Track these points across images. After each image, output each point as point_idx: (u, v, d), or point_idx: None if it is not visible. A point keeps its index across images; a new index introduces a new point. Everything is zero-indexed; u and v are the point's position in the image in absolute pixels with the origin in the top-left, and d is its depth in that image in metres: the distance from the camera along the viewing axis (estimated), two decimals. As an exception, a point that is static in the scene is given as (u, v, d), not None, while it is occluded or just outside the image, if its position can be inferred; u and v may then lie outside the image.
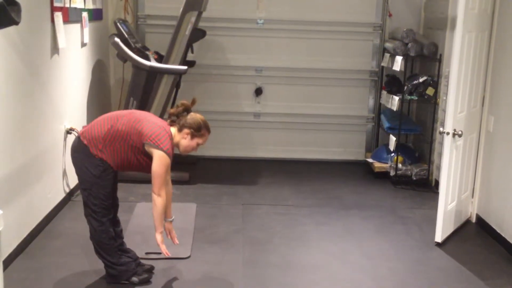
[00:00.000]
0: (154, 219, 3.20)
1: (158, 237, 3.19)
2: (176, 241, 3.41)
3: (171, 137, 3.20)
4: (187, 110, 3.30)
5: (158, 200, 3.15)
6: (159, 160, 3.11)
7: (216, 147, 6.28)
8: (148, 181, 5.33)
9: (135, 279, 3.36)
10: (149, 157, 3.16)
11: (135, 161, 3.20)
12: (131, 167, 3.26)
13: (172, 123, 3.29)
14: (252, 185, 5.39)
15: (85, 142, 3.17)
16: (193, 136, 3.27)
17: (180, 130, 3.26)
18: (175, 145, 3.27)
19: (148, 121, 3.18)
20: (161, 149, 3.11)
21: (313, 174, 5.78)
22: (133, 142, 3.14)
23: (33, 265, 3.58)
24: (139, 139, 3.14)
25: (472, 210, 4.64)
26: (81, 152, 3.18)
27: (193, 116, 3.29)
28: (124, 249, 3.40)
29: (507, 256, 3.99)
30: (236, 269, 3.64)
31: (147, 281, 3.39)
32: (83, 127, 3.38)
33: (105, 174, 3.19)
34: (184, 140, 3.26)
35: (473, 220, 4.62)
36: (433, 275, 3.67)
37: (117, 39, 5.11)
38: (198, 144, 3.31)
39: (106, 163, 3.17)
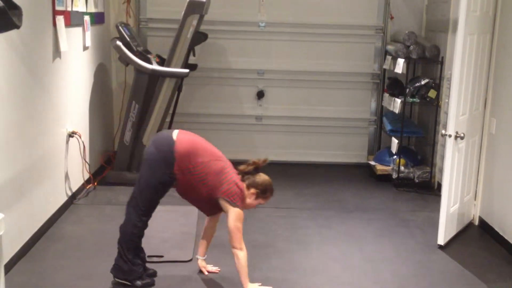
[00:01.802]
0: (240, 274, 3.27)
1: None
2: (216, 271, 3.60)
3: (243, 196, 3.28)
4: (257, 169, 3.36)
5: (241, 254, 3.23)
6: (236, 216, 3.21)
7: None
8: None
9: (138, 282, 3.35)
10: (216, 204, 3.26)
11: (202, 200, 3.30)
12: (192, 201, 3.39)
13: (242, 179, 3.34)
14: (254, 188, 5.37)
15: (176, 155, 3.19)
16: (257, 196, 3.34)
17: (247, 187, 3.32)
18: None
19: (230, 177, 3.24)
20: (238, 207, 3.21)
21: (314, 177, 5.78)
22: (209, 189, 3.22)
23: (35, 268, 3.57)
24: (216, 190, 3.21)
25: (475, 213, 4.62)
26: (165, 155, 3.19)
27: (262, 177, 3.35)
28: (139, 247, 3.41)
29: (510, 259, 3.97)
30: (237, 272, 3.63)
31: (150, 286, 3.39)
32: (180, 132, 3.29)
33: (169, 186, 3.27)
34: (249, 199, 3.33)
35: (476, 222, 4.61)
36: (436, 278, 3.66)
37: (119, 43, 5.12)
38: (259, 204, 3.39)
39: (176, 182, 3.24)
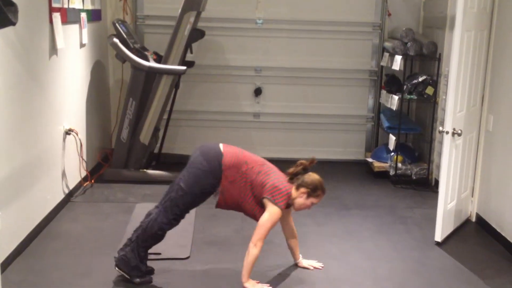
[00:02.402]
0: (244, 267, 3.28)
1: (246, 285, 3.30)
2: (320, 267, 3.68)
3: (289, 196, 3.30)
4: (305, 169, 3.39)
5: (254, 250, 3.24)
6: (270, 216, 3.23)
7: (215, 147, 6.27)
8: (147, 181, 5.36)
9: (137, 280, 3.35)
10: (262, 207, 3.28)
11: (247, 206, 3.33)
12: (237, 208, 3.40)
13: (291, 181, 3.37)
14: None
15: (224, 167, 3.26)
16: (308, 196, 3.35)
17: (297, 188, 3.35)
18: (291, 203, 3.36)
19: (275, 178, 3.29)
20: (276, 205, 3.23)
21: (312, 174, 5.77)
22: (255, 191, 3.28)
23: (32, 266, 3.57)
24: (261, 191, 3.26)
25: (472, 209, 4.63)
26: (214, 167, 3.25)
27: (311, 177, 3.37)
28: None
29: (507, 255, 3.98)
30: (235, 269, 3.63)
31: (147, 283, 3.39)
32: (224, 145, 3.36)
33: (208, 197, 3.34)
34: (300, 199, 3.35)
35: (473, 219, 4.61)
36: (433, 274, 3.67)
37: (116, 40, 5.11)
38: (312, 204, 3.39)
39: (218, 195, 3.29)
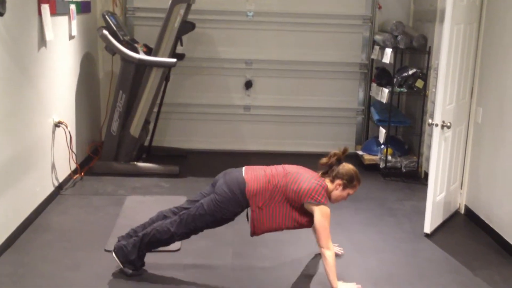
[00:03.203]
0: (328, 274, 3.19)
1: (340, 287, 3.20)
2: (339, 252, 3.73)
3: (326, 191, 3.25)
4: (339, 160, 3.35)
5: (329, 254, 3.17)
6: (321, 213, 3.17)
7: (206, 140, 6.27)
8: (138, 174, 5.34)
9: (129, 271, 3.35)
10: (306, 214, 3.24)
11: (290, 222, 3.27)
12: (278, 228, 3.29)
13: (324, 175, 3.34)
14: (242, 178, 5.38)
15: (248, 195, 3.22)
16: (345, 187, 3.31)
17: (332, 180, 3.31)
18: (328, 196, 3.31)
19: (304, 180, 3.22)
20: (321, 204, 3.17)
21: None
22: (292, 202, 3.22)
23: (21, 259, 3.55)
24: (298, 200, 3.20)
25: (461, 201, 4.66)
26: (236, 196, 3.22)
27: (346, 167, 3.32)
28: None
29: (495, 247, 4.02)
30: (226, 261, 3.64)
31: (138, 275, 3.38)
32: (246, 172, 3.31)
33: (227, 222, 3.32)
34: (336, 191, 3.32)
35: (462, 211, 4.65)
36: (422, 266, 3.69)
37: (105, 32, 5.08)
38: (348, 194, 3.36)
39: (255, 222, 3.24)
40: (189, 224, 3.28)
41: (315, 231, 3.21)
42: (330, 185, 3.30)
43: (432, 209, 4.09)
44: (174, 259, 3.63)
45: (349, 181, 3.30)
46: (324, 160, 3.36)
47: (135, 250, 3.32)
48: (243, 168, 3.36)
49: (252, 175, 3.28)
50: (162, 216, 3.44)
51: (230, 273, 3.50)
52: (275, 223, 3.27)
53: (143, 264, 3.44)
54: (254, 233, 3.31)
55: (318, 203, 3.17)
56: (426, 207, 4.11)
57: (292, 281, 3.45)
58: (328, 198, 3.28)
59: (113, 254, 3.36)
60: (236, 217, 3.33)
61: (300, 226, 3.32)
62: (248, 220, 3.33)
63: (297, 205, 3.23)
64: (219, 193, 3.25)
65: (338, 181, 3.30)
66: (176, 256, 3.68)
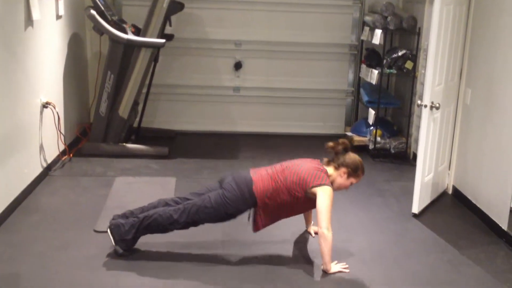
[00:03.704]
0: (324, 255, 3.25)
1: (332, 269, 3.28)
2: None
3: (327, 175, 3.31)
4: (346, 149, 3.39)
5: (329, 234, 3.21)
6: (324, 194, 3.20)
7: (195, 121, 6.26)
8: (127, 155, 5.33)
9: (120, 251, 3.35)
10: (311, 202, 3.29)
11: (297, 211, 3.40)
12: (284, 217, 3.41)
13: (328, 163, 3.39)
14: (232, 159, 5.39)
15: (256, 194, 3.27)
16: (349, 175, 3.36)
17: (337, 168, 3.35)
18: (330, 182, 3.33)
19: (304, 168, 3.29)
20: (324, 185, 3.21)
21: (292, 148, 5.79)
22: (296, 193, 3.27)
23: (10, 239, 3.55)
24: (301, 188, 3.25)
25: (449, 182, 4.70)
26: (244, 195, 3.27)
27: (352, 157, 3.37)
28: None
29: (482, 226, 4.07)
30: (216, 241, 3.66)
31: (128, 255, 3.39)
32: (252, 173, 3.36)
33: (229, 219, 3.35)
34: (340, 178, 3.36)
35: (450, 191, 4.69)
36: (410, 245, 3.73)
37: (93, 12, 5.01)
38: (351, 184, 3.40)
39: (257, 218, 3.30)
40: (192, 215, 3.29)
41: (317, 211, 3.23)
42: (333, 172, 3.36)
43: (420, 190, 4.12)
44: (165, 237, 3.63)
45: (354, 170, 3.36)
46: (331, 144, 3.43)
47: (133, 230, 3.32)
48: (250, 170, 3.42)
49: (258, 175, 3.35)
50: (164, 203, 3.44)
51: (220, 252, 3.52)
52: (280, 217, 3.39)
53: (134, 245, 3.44)
54: (257, 229, 3.38)
55: (321, 184, 3.22)
56: (415, 187, 4.14)
57: (283, 258, 3.49)
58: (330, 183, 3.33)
59: (108, 231, 3.36)
60: (239, 215, 3.36)
61: (306, 210, 3.48)
62: (249, 220, 3.40)
63: (301, 195, 3.27)
64: (228, 189, 3.29)
65: (343, 169, 3.35)
66: (167, 235, 3.67)
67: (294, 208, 3.36)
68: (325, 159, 3.44)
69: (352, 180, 3.39)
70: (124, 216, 3.41)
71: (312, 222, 3.79)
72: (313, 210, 3.58)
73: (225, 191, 3.29)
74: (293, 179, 3.27)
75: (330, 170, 3.37)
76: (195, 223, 3.35)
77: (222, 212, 3.30)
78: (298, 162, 3.39)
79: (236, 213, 3.34)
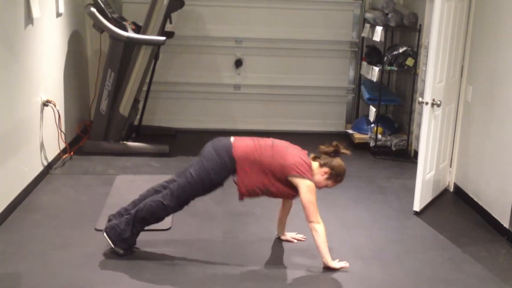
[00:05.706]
0: (320, 248, 3.24)
1: (332, 265, 3.27)
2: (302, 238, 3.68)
3: (310, 168, 3.28)
4: (336, 152, 3.38)
5: (319, 228, 3.22)
6: (307, 189, 3.21)
7: (195, 119, 6.25)
8: (127, 153, 5.32)
9: (121, 251, 3.35)
10: (290, 187, 3.26)
11: (273, 189, 3.29)
12: (263, 194, 3.34)
13: (315, 158, 3.36)
14: (233, 157, 5.38)
15: (236, 158, 3.23)
16: (330, 177, 3.35)
17: (321, 166, 3.33)
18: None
19: (291, 154, 3.27)
20: (307, 178, 3.19)
21: (293, 146, 5.78)
22: (277, 174, 3.24)
23: (11, 238, 3.55)
24: (282, 173, 3.22)
25: (450, 179, 4.70)
26: (224, 160, 3.24)
27: (339, 161, 3.38)
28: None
29: (483, 224, 4.06)
30: (216, 239, 3.66)
31: (129, 254, 3.38)
32: (235, 139, 3.34)
33: (215, 189, 3.32)
34: (319, 177, 3.33)
35: (451, 189, 4.68)
36: (411, 243, 3.73)
37: (93, 9, 5.01)
38: (327, 186, 3.40)
39: (239, 186, 3.26)
40: (180, 195, 3.27)
41: (303, 207, 3.23)
42: (316, 168, 3.34)
43: (421, 187, 4.12)
44: (165, 236, 3.64)
45: (336, 174, 3.35)
46: (323, 146, 3.41)
47: (129, 227, 3.31)
48: (231, 137, 3.39)
49: (240, 141, 3.32)
50: (153, 191, 3.43)
51: (221, 251, 3.51)
52: (261, 183, 3.28)
53: (135, 243, 3.43)
54: (242, 194, 3.31)
55: (302, 177, 3.21)
56: (416, 185, 4.13)
57: (283, 255, 3.49)
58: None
59: (105, 234, 3.35)
60: (225, 182, 3.32)
61: (282, 196, 3.38)
62: (236, 183, 3.33)
63: (281, 177, 3.25)
64: (207, 158, 3.26)
65: (326, 169, 3.33)
66: (167, 234, 3.69)
67: (274, 184, 3.27)
68: (312, 154, 3.42)
69: (329, 183, 3.37)
70: (119, 214, 3.40)
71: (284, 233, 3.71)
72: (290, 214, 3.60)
73: (205, 160, 3.26)
74: (279, 160, 3.23)
75: (315, 165, 3.35)
76: (186, 202, 3.33)
77: (207, 183, 3.26)
78: (286, 145, 3.36)
79: (221, 180, 3.30)
